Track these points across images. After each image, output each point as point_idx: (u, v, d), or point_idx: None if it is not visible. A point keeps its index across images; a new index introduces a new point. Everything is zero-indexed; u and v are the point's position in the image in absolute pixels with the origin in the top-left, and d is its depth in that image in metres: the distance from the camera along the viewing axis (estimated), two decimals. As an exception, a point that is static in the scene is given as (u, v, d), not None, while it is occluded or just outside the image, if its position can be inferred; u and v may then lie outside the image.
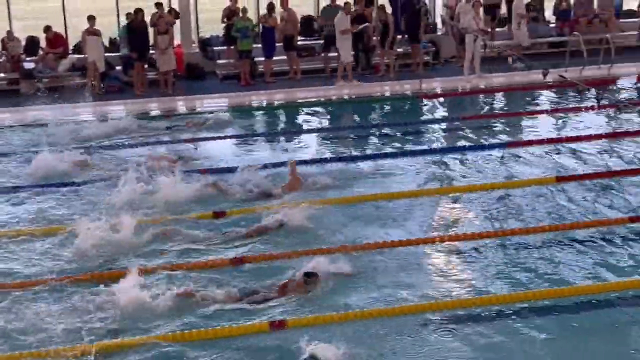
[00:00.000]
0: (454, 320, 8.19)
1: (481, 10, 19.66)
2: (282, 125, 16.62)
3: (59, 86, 19.20)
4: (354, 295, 8.68)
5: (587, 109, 16.14)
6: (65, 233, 10.27)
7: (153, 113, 17.09)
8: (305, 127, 16.31)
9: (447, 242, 10.04)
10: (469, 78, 18.99)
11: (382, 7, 20.19)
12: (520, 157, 13.51)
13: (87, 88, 18.74)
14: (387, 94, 18.53)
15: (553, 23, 22.19)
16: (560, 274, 9.22)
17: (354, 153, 13.93)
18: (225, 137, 15.22)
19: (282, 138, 15.36)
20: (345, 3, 19.34)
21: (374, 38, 20.10)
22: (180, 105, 18.09)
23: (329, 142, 14.92)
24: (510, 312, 8.37)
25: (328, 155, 13.85)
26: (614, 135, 14.50)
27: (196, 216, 10.93)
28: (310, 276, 8.66)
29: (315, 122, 16.68)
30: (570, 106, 16.61)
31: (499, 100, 17.89)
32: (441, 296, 8.65)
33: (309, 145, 14.76)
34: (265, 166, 12.72)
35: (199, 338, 7.86)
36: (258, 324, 8.08)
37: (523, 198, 11.59)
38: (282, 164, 12.77)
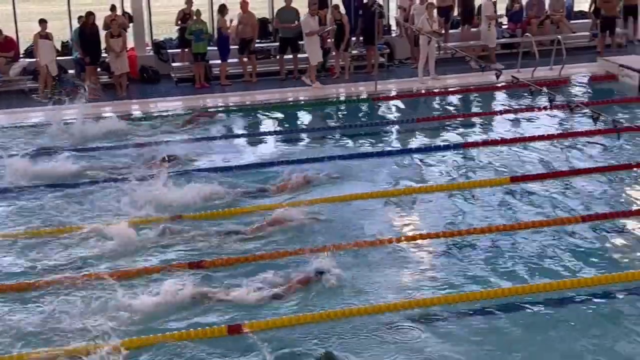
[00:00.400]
0: (414, 319, 8.35)
1: (434, 12, 19.82)
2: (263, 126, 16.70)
3: (11, 90, 18.98)
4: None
5: (540, 109, 16.39)
6: (80, 233, 10.67)
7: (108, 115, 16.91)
8: (267, 129, 16.32)
9: (403, 243, 10.19)
10: (424, 79, 19.15)
11: (337, 8, 20.25)
12: (475, 157, 13.69)
13: (40, 92, 18.55)
14: (343, 96, 18.59)
15: (505, 25, 22.44)
16: (516, 273, 9.43)
17: (319, 155, 13.96)
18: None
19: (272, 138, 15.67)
20: (311, 4, 19.44)
21: (329, 40, 20.18)
22: (135, 108, 17.97)
23: (287, 143, 15.01)
24: (469, 310, 8.54)
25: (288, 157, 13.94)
26: (567, 135, 14.77)
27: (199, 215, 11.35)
28: (322, 273, 9.17)
29: (276, 124, 16.70)
30: (524, 107, 16.84)
31: (454, 102, 18.07)
32: (404, 295, 8.82)
33: (270, 146, 14.93)
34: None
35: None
36: (217, 328, 8.18)
37: (478, 198, 11.76)
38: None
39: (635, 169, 12.85)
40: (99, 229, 10.67)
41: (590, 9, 22.77)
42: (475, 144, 14.39)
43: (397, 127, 16.18)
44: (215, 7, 20.47)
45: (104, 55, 19.42)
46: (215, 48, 19.79)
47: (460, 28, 22.03)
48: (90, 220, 11.17)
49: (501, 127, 15.68)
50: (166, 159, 13.66)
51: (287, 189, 12.17)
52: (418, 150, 14.22)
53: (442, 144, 14.55)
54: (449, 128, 15.77)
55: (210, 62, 19.94)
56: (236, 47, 19.94)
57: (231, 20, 19.93)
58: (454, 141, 14.71)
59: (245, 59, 20.02)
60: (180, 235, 10.60)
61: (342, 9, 20.59)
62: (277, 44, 20.51)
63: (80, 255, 10.12)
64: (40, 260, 10.06)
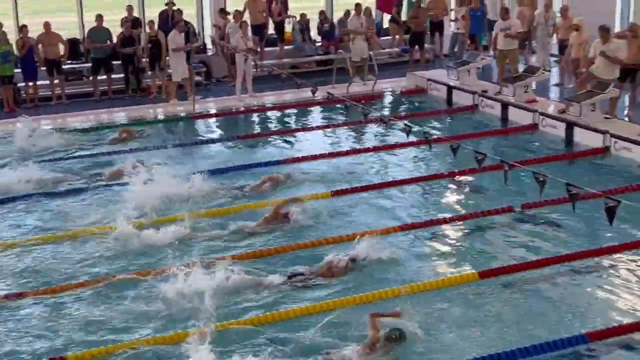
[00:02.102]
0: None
1: (249, 30, 20.15)
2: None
3: None
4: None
5: (355, 123, 17.00)
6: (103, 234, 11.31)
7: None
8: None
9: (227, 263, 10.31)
10: (242, 97, 19.42)
11: (152, 25, 20.09)
12: (297, 173, 14.03)
13: None
14: (161, 115, 18.52)
15: (319, 42, 23.08)
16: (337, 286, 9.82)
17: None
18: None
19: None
20: (179, 20, 19.54)
21: (144, 59, 20.07)
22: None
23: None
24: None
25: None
26: (382, 148, 15.44)
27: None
28: (354, 261, 9.96)
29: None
30: (340, 122, 17.41)
31: (273, 118, 18.42)
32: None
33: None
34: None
35: None
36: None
37: (301, 213, 12.08)
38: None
39: (447, 177, 13.65)
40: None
41: (390, 25, 23.83)
42: (295, 160, 14.78)
43: (217, 145, 16.30)
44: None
45: None
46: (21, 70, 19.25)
47: (278, 46, 22.47)
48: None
49: (320, 142, 16.17)
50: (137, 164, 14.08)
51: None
52: (240, 167, 14.43)
53: (262, 160, 14.83)
54: (269, 144, 16.11)
55: (19, 84, 19.36)
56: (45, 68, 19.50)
57: (22, 38, 19.18)
58: (274, 157, 15.04)
59: (56, 81, 19.59)
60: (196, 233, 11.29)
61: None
62: (90, 64, 20.19)
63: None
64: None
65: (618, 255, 10.55)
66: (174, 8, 20.73)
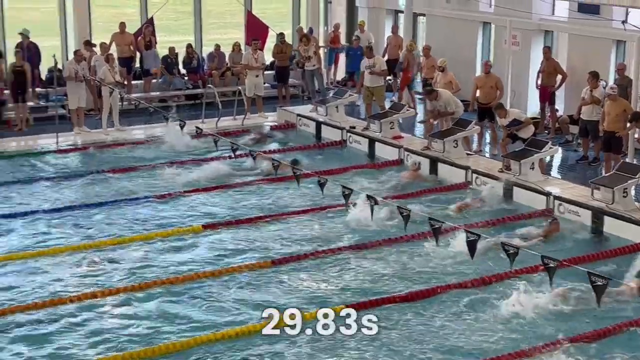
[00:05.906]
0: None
1: (116, 62, 20.21)
2: None
3: None
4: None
5: (224, 158, 17.22)
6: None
7: None
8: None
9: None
10: (108, 131, 19.39)
11: (18, 56, 19.80)
12: (169, 207, 14.46)
13: None
14: (25, 148, 18.28)
15: (186, 77, 23.25)
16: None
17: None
18: None
19: None
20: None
21: (6, 91, 19.80)
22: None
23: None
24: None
25: None
26: (247, 184, 15.89)
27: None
28: None
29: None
30: (209, 156, 17.56)
31: (141, 152, 18.37)
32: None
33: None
34: None
35: None
36: None
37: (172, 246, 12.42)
38: None
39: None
40: None
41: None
42: (167, 195, 15.11)
43: (86, 179, 16.24)
44: None
45: None
46: None
47: (142, 80, 22.57)
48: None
49: (189, 177, 16.34)
50: None
51: None
52: (112, 202, 14.67)
53: (133, 196, 15.07)
54: (139, 178, 16.23)
55: None
56: None
57: None
58: (144, 192, 15.26)
59: None
60: None
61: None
62: None
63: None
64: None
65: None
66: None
